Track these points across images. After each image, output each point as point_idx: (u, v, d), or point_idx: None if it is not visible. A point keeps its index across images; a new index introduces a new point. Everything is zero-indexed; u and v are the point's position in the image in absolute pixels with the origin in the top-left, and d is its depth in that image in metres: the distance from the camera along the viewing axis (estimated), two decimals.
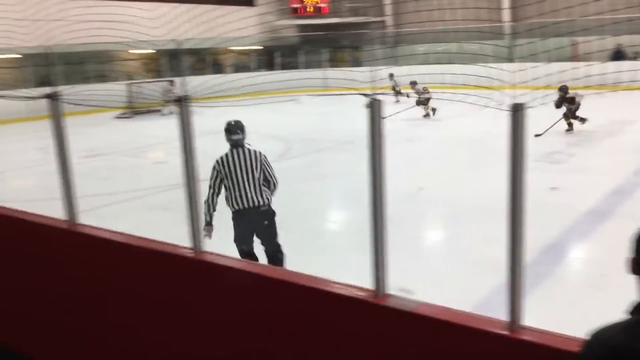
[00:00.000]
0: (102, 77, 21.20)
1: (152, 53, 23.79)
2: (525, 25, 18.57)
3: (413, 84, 16.33)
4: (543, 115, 11.85)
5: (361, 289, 2.31)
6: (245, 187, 4.85)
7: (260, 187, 4.92)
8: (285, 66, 25.31)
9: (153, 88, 20.45)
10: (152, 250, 3.14)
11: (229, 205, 4.93)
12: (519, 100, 1.94)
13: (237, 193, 4.85)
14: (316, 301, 2.42)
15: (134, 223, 6.40)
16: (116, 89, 18.59)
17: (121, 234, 3.36)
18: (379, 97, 2.04)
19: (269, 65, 26.25)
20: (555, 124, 12.23)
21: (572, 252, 6.22)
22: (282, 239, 5.16)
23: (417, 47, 23.94)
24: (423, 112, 15.91)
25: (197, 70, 23.28)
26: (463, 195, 8.13)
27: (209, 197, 4.89)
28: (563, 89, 12.28)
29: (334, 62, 26.54)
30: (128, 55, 22.95)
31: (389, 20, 27.76)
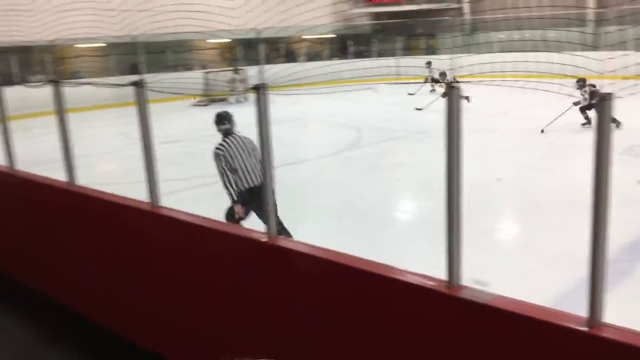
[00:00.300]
0: (181, 66, 21.88)
1: (229, 42, 24.34)
2: (614, 12, 17.58)
3: (442, 75, 16.02)
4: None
5: (434, 279, 2.30)
6: (251, 167, 5.40)
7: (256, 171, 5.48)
8: (358, 55, 25.20)
9: (228, 77, 20.91)
10: (228, 233, 3.25)
11: (236, 186, 5.37)
12: (606, 90, 1.86)
13: (246, 173, 5.37)
14: (388, 290, 2.43)
15: (208, 208, 6.61)
16: (194, 78, 19.15)
17: (199, 217, 3.49)
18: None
19: (342, 54, 26.22)
20: (559, 116, 11.54)
21: None
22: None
23: (496, 35, 23.24)
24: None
25: (271, 59, 23.60)
26: (541, 187, 7.86)
27: (227, 180, 5.35)
28: (580, 83, 11.62)
29: (408, 51, 26.16)
30: (206, 44, 23.58)
31: (466, 7, 27.04)
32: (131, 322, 4.12)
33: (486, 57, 12.68)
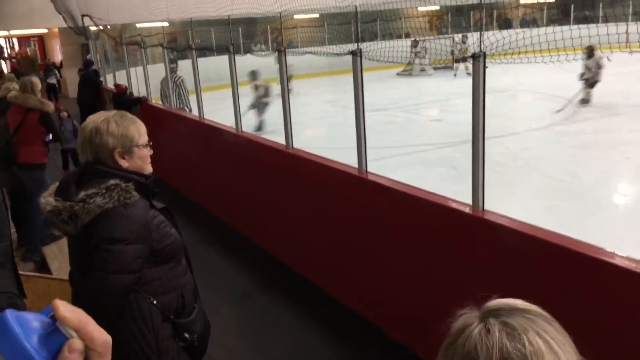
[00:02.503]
0: (390, 35, 22.03)
1: (437, 10, 23.85)
2: None
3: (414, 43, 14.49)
4: None
5: None
6: (169, 93, 8.23)
7: (176, 95, 8.19)
8: (581, 20, 22.95)
9: (440, 44, 20.49)
10: (431, 202, 3.26)
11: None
12: None
13: (168, 97, 8.33)
14: (604, 275, 2.25)
15: (409, 176, 6.66)
16: (403, 46, 19.17)
17: (404, 184, 3.55)
18: None
19: (561, 20, 24.09)
20: (575, 96, 10.36)
21: None
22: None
23: None
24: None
25: (485, 25, 22.59)
26: None
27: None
28: (589, 49, 10.46)
29: None
30: (416, 12, 23.38)
31: None
32: (334, 279, 4.38)
33: None
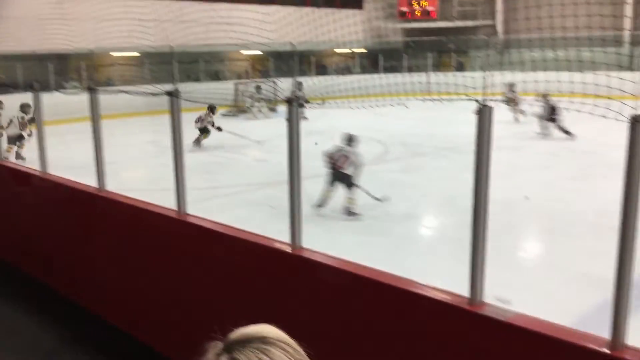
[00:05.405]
0: (213, 76, 22.14)
1: (260, 55, 24.62)
2: None
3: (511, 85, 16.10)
4: None
5: (456, 295, 2.29)
6: None
7: None
8: (388, 69, 25.24)
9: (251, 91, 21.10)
10: (252, 242, 3.28)
11: None
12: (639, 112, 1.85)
13: None
14: (410, 304, 2.43)
15: (234, 216, 6.66)
16: (224, 88, 19.35)
17: (224, 225, 3.53)
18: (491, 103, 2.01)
19: (372, 69, 26.29)
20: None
21: None
22: None
23: (529, 53, 22.92)
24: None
25: (303, 72, 23.76)
26: (569, 207, 7.74)
27: None
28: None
29: (439, 67, 26.10)
30: (238, 55, 23.84)
31: (500, 25, 26.89)
32: (151, 327, 4.16)
33: (519, 76, 12.56)
